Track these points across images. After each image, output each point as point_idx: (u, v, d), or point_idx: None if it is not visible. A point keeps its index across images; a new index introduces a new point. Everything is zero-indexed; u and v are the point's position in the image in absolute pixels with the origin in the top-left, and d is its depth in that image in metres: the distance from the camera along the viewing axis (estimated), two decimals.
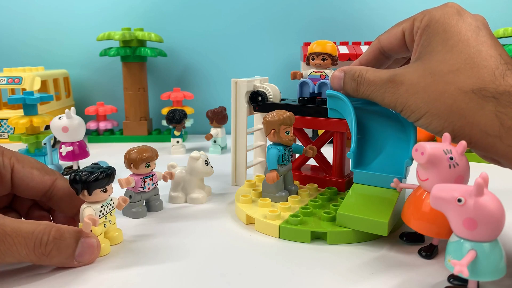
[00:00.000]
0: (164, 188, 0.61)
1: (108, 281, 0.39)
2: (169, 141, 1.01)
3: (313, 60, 0.59)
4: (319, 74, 0.59)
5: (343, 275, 0.40)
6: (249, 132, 0.68)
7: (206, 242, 0.47)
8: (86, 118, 1.07)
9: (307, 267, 0.41)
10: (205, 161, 0.60)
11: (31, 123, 0.74)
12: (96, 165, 0.44)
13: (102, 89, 1.17)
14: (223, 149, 0.95)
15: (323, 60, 0.58)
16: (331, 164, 0.61)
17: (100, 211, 0.43)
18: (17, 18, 1.14)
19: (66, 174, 0.71)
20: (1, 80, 0.92)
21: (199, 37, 1.13)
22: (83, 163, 0.75)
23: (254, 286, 0.38)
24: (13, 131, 0.92)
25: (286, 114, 0.53)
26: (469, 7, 1.12)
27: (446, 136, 0.41)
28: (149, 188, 0.56)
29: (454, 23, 0.42)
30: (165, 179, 0.57)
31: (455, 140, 0.40)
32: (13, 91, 1.04)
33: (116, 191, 0.50)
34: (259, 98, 0.64)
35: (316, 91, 0.59)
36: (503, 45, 0.91)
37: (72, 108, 0.68)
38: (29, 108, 0.75)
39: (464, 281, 0.37)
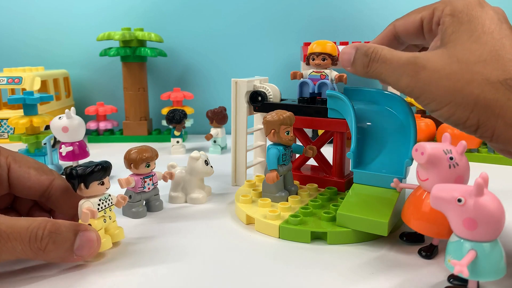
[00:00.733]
0: (164, 188, 0.61)
1: (110, 283, 0.39)
2: (169, 141, 1.01)
3: (313, 60, 0.59)
4: (319, 74, 0.59)
5: (343, 275, 0.40)
6: (249, 132, 0.68)
7: (206, 242, 0.47)
8: (86, 118, 1.07)
9: (307, 267, 0.41)
10: (205, 161, 0.60)
11: (31, 123, 0.74)
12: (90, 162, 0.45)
13: (102, 89, 1.17)
14: (223, 149, 0.95)
15: (323, 60, 0.58)
16: (331, 164, 0.61)
17: (99, 205, 0.43)
18: (17, 18, 1.14)
19: None
20: (1, 80, 0.92)
21: (199, 37, 1.13)
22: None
23: (254, 286, 0.38)
24: (13, 131, 0.92)
25: (286, 114, 0.53)
26: None
27: (446, 136, 0.41)
28: (149, 188, 0.56)
29: (478, 14, 0.41)
30: (165, 179, 0.57)
31: (477, 132, 0.38)
32: (13, 91, 1.04)
33: (117, 191, 0.50)
34: (259, 98, 0.64)
35: (316, 91, 0.59)
36: None
37: (72, 108, 0.68)
38: (29, 108, 0.75)
39: (464, 281, 0.37)
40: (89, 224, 0.42)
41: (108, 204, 0.45)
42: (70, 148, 0.68)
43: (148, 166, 0.54)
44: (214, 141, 0.94)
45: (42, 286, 0.38)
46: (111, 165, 0.45)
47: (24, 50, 1.15)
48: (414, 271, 0.41)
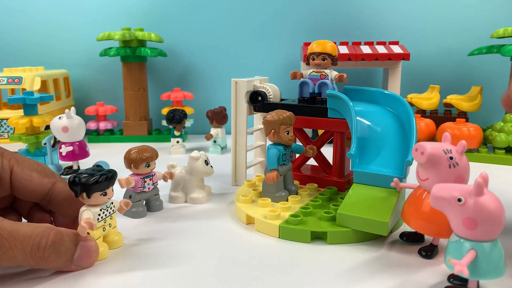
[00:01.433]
0: (164, 188, 0.61)
1: (109, 284, 0.39)
2: (169, 141, 1.01)
3: (313, 60, 0.59)
4: (319, 74, 0.59)
5: (343, 275, 0.40)
6: (249, 132, 0.68)
7: (206, 242, 0.47)
8: (86, 118, 1.07)
9: (307, 267, 0.41)
10: (205, 161, 0.60)
11: (31, 123, 0.74)
12: (98, 167, 0.44)
13: (102, 89, 1.17)
14: (223, 149, 0.95)
15: (323, 60, 0.58)
16: (331, 164, 0.61)
17: (99, 215, 0.42)
18: (17, 18, 1.14)
19: (66, 174, 0.71)
20: (1, 80, 0.92)
21: (199, 37, 1.13)
22: (83, 163, 0.75)
23: (254, 286, 0.38)
24: (13, 131, 0.92)
25: (286, 114, 0.53)
26: (470, 7, 1.12)
27: (446, 136, 0.41)
28: (149, 188, 0.56)
29: None
30: (165, 179, 0.57)
31: None
32: (13, 91, 1.04)
33: (116, 191, 0.50)
34: (259, 98, 0.64)
35: (316, 91, 0.59)
36: (503, 45, 0.91)
37: (72, 108, 0.68)
38: (29, 108, 0.75)
39: (464, 281, 0.37)
40: (87, 233, 0.41)
41: (110, 212, 0.44)
42: (70, 148, 0.68)
43: (148, 166, 0.54)
44: (214, 141, 0.94)
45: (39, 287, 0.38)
46: (116, 174, 0.44)
47: (24, 50, 1.15)
48: (414, 271, 0.41)
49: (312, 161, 0.66)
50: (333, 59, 0.58)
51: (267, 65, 1.13)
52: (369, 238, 0.47)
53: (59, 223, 0.48)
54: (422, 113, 0.98)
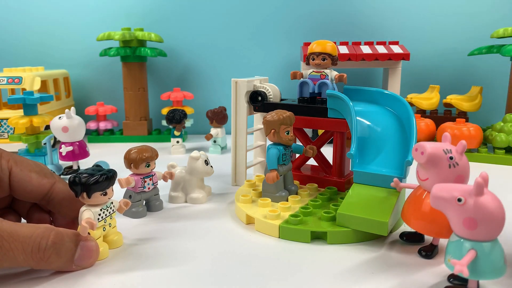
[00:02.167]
0: (164, 188, 0.61)
1: (108, 285, 0.39)
2: (169, 141, 1.01)
3: (313, 60, 0.59)
4: (319, 74, 0.59)
5: (343, 275, 0.40)
6: (249, 132, 0.68)
7: (206, 242, 0.47)
8: (86, 118, 1.07)
9: (307, 267, 0.41)
10: (205, 161, 0.60)
11: (31, 123, 0.74)
12: (97, 167, 0.44)
13: (102, 89, 1.17)
14: (223, 149, 0.95)
15: (323, 60, 0.58)
16: (331, 164, 0.61)
17: (99, 215, 0.42)
18: (18, 18, 1.14)
19: (66, 174, 0.71)
20: (1, 80, 0.92)
21: (199, 37, 1.13)
22: (83, 163, 0.75)
23: (254, 286, 0.38)
24: (13, 131, 0.92)
25: (286, 114, 0.53)
26: (470, 8, 1.12)
27: (446, 135, 0.41)
28: (149, 188, 0.56)
29: None
30: (165, 179, 0.57)
31: None
32: (13, 91, 1.04)
33: (116, 190, 0.50)
34: (259, 98, 0.64)
35: (316, 91, 0.59)
36: (503, 45, 0.91)
37: (72, 108, 0.68)
38: (29, 108, 0.75)
39: (464, 281, 0.37)
40: (88, 233, 0.41)
41: (110, 212, 0.44)
42: (70, 148, 0.68)
43: (148, 166, 0.54)
44: (214, 141, 0.94)
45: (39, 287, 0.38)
46: (116, 174, 0.44)
47: (24, 50, 1.15)
48: (414, 271, 0.41)
49: (312, 161, 0.66)
50: (333, 59, 0.58)
51: (267, 65, 1.13)
52: (369, 238, 0.47)
53: (58, 223, 0.48)
54: (422, 113, 0.98)
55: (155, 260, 0.43)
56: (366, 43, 0.97)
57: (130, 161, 0.54)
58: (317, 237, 0.48)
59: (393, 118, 0.56)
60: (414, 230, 0.45)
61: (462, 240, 0.33)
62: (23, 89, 0.92)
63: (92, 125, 1.04)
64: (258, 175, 0.64)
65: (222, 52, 1.14)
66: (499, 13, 1.05)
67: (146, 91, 1.07)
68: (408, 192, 0.54)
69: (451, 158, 0.39)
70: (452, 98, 0.98)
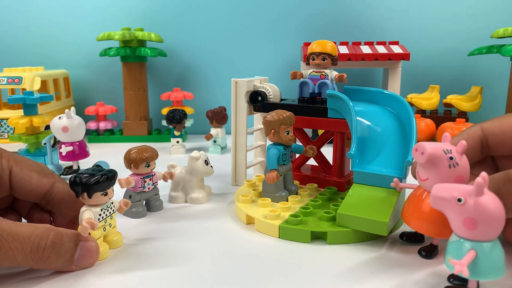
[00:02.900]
0: (164, 188, 0.61)
1: (108, 285, 0.39)
2: (169, 141, 1.01)
3: (313, 60, 0.59)
4: (319, 74, 0.59)
5: (343, 275, 0.40)
6: (249, 132, 0.68)
7: (206, 242, 0.47)
8: (86, 118, 1.07)
9: (307, 267, 0.41)
10: (205, 161, 0.60)
11: (31, 123, 0.74)
12: (98, 167, 0.44)
13: (102, 89, 1.17)
14: (223, 149, 0.95)
15: (323, 60, 0.58)
16: (331, 164, 0.61)
17: (100, 215, 0.42)
18: (18, 18, 1.14)
19: (66, 174, 0.71)
20: (1, 80, 0.92)
21: (199, 37, 1.13)
22: (83, 163, 0.75)
23: (254, 286, 0.38)
24: (13, 131, 0.92)
25: (286, 114, 0.53)
26: (470, 7, 1.12)
27: (446, 136, 0.41)
28: (149, 188, 0.56)
29: None
30: (165, 179, 0.57)
31: None
32: (13, 91, 1.04)
33: (116, 190, 0.50)
34: (259, 98, 0.64)
35: (316, 91, 0.59)
36: (503, 45, 0.91)
37: (72, 108, 0.68)
38: (29, 108, 0.75)
39: (464, 281, 0.37)
40: (88, 233, 0.41)
41: (110, 212, 0.44)
42: (70, 148, 0.68)
43: (148, 166, 0.54)
44: (214, 141, 0.94)
45: (39, 287, 0.38)
46: (117, 174, 0.44)
47: (24, 50, 1.15)
48: (414, 271, 0.41)
49: (312, 161, 0.66)
50: (333, 59, 0.58)
51: (267, 65, 1.13)
52: (369, 238, 0.47)
53: (58, 223, 0.48)
54: (422, 113, 0.98)
55: (155, 260, 0.43)
56: (366, 43, 0.97)
57: (130, 161, 0.54)
58: (317, 237, 0.48)
59: (393, 118, 0.56)
60: (414, 230, 0.45)
61: (462, 240, 0.33)
62: (23, 89, 0.92)
63: (92, 125, 1.04)
64: (258, 175, 0.64)
65: (222, 52, 1.14)
66: (499, 13, 1.05)
67: (146, 91, 1.07)
68: (408, 192, 0.54)
69: (451, 158, 0.39)
70: (452, 98, 0.98)
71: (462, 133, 0.45)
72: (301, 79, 0.60)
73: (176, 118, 0.91)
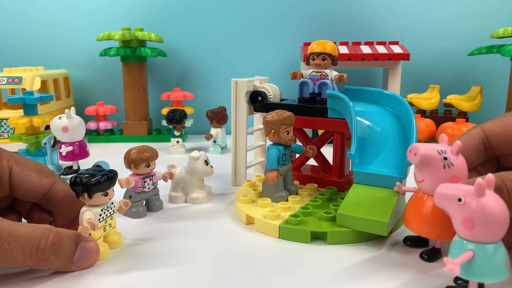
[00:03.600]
0: (164, 188, 0.61)
1: (108, 285, 0.39)
2: (169, 141, 1.01)
3: (313, 60, 0.59)
4: (319, 74, 0.59)
5: (343, 275, 0.40)
6: (249, 132, 0.68)
7: (206, 242, 0.47)
8: (86, 118, 1.07)
9: (307, 267, 0.41)
10: (205, 161, 0.60)
11: (31, 123, 0.74)
12: (98, 167, 0.44)
13: (102, 89, 1.17)
14: (223, 149, 0.95)
15: (323, 60, 0.58)
16: (331, 164, 0.61)
17: (100, 215, 0.42)
18: (18, 18, 1.14)
19: (66, 174, 0.71)
20: (1, 80, 0.92)
21: (199, 37, 1.13)
22: (83, 163, 0.75)
23: (254, 287, 0.38)
24: (13, 131, 0.92)
25: (286, 114, 0.53)
26: (470, 7, 1.12)
27: (443, 137, 0.41)
28: (149, 188, 0.56)
29: None
30: (165, 179, 0.57)
31: None
32: (13, 91, 1.04)
33: (116, 191, 0.50)
34: (259, 98, 0.64)
35: (316, 91, 0.59)
36: (503, 45, 0.91)
37: (72, 108, 0.68)
38: (29, 108, 0.75)
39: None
40: (89, 233, 0.41)
41: (110, 212, 0.44)
42: (70, 148, 0.68)
43: (148, 166, 0.54)
44: (214, 141, 0.93)
45: (39, 287, 0.38)
46: (117, 174, 0.44)
47: (24, 50, 1.15)
48: (414, 271, 0.41)
49: (312, 161, 0.66)
50: (333, 59, 0.58)
51: (267, 65, 1.13)
52: (369, 238, 0.47)
53: (58, 223, 0.48)
54: (422, 113, 0.98)
55: (155, 260, 0.43)
56: (366, 43, 0.97)
57: (130, 161, 0.54)
58: (317, 237, 0.48)
59: (393, 118, 0.56)
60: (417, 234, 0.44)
61: (464, 241, 0.33)
62: (23, 89, 0.92)
63: (92, 125, 1.04)
64: (258, 175, 0.64)
65: (222, 52, 1.14)
66: (499, 13, 1.05)
67: (146, 91, 1.07)
68: (408, 194, 0.54)
69: (445, 158, 0.39)
70: (452, 98, 0.98)
71: (462, 135, 0.45)
72: (301, 79, 0.60)
73: (176, 118, 0.91)
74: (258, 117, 0.71)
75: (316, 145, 0.61)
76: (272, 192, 0.54)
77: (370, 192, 0.49)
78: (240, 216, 0.54)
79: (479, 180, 0.32)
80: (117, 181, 0.51)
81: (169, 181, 0.59)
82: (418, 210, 0.42)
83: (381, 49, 0.93)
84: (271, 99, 0.64)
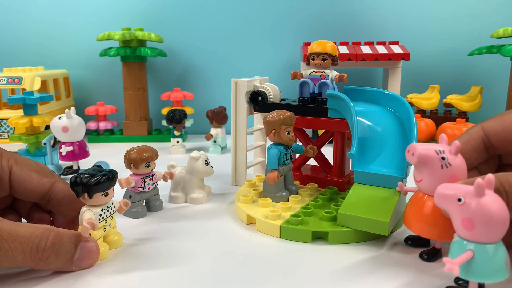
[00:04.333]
0: (164, 188, 0.61)
1: (108, 285, 0.39)
2: (169, 141, 1.01)
3: (313, 60, 0.59)
4: (319, 74, 0.59)
5: (343, 275, 0.40)
6: (249, 132, 0.68)
7: (206, 242, 0.47)
8: (86, 118, 1.07)
9: (308, 267, 0.41)
10: (205, 161, 0.60)
11: (31, 123, 0.74)
12: (98, 167, 0.43)
13: (102, 89, 1.17)
14: (223, 149, 0.95)
15: (323, 60, 0.58)
16: (332, 164, 0.61)
17: (100, 215, 0.42)
18: (17, 18, 1.13)
19: (66, 174, 0.71)
20: (1, 80, 0.92)
21: (199, 37, 1.13)
22: (83, 163, 0.75)
23: (254, 286, 0.38)
24: (13, 131, 0.92)
25: (287, 114, 0.53)
26: (470, 8, 1.12)
27: (442, 137, 0.41)
28: (149, 188, 0.56)
29: None
30: (165, 179, 0.57)
31: None
32: (13, 91, 1.04)
33: (116, 191, 0.50)
34: (259, 98, 0.64)
35: (316, 91, 0.59)
36: (503, 45, 0.91)
37: (72, 108, 0.68)
38: (29, 108, 0.75)
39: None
40: (89, 234, 0.41)
41: (110, 212, 0.44)
42: (70, 148, 0.68)
43: (148, 166, 0.54)
44: (214, 141, 0.93)
45: (39, 287, 0.38)
46: (117, 174, 0.44)
47: (24, 50, 1.15)
48: (415, 271, 0.41)
49: (312, 161, 0.66)
50: (333, 59, 0.58)
51: (267, 65, 1.13)
52: (370, 238, 0.47)
53: (58, 223, 0.48)
54: (422, 113, 0.98)
55: (155, 260, 0.43)
56: (366, 43, 0.97)
57: (130, 161, 0.54)
58: (318, 237, 0.48)
59: (393, 118, 0.56)
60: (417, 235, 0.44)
61: (464, 241, 0.33)
62: (23, 89, 0.92)
63: (92, 125, 1.04)
64: (259, 175, 0.64)
65: (222, 52, 1.14)
66: (499, 13, 1.05)
67: (146, 91, 1.07)
68: (409, 194, 0.54)
69: (443, 158, 0.39)
70: (452, 98, 0.98)
71: (462, 135, 0.45)
72: (301, 79, 0.60)
73: (176, 118, 0.91)
74: (258, 117, 0.71)
75: (316, 145, 0.61)
76: (272, 192, 0.54)
77: (371, 192, 0.49)
78: (241, 216, 0.54)
79: (478, 180, 0.32)
80: (117, 181, 0.51)
81: (169, 181, 0.59)
82: (418, 210, 0.42)
83: (381, 49, 0.93)
84: (271, 99, 0.64)
